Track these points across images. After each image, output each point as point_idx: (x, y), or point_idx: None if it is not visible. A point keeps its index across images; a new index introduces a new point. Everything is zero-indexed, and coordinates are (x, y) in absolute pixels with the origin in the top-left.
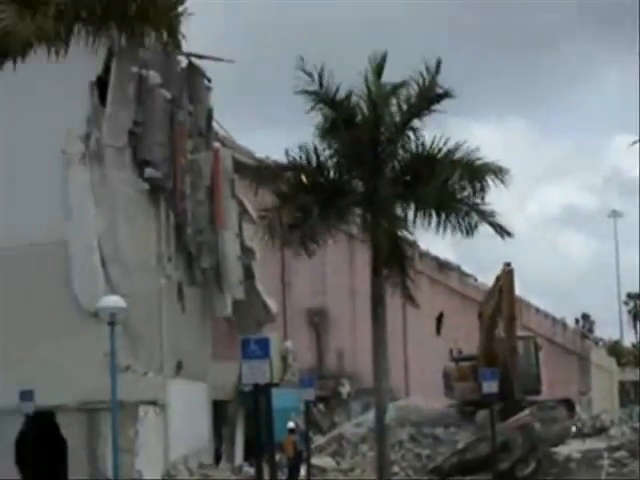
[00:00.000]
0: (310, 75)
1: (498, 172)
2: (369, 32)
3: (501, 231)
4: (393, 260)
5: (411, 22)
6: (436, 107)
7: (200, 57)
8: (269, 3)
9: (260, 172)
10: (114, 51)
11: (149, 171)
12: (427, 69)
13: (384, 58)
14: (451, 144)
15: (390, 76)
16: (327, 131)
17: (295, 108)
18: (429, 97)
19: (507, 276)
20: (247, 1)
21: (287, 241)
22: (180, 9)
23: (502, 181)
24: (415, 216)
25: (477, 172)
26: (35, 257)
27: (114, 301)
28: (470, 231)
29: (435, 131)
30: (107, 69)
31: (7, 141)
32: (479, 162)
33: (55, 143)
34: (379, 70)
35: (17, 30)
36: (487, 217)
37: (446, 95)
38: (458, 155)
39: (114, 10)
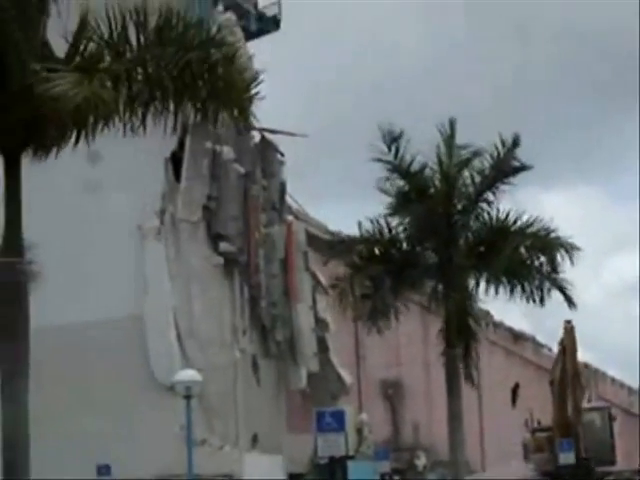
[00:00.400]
0: (389, 147)
1: (569, 249)
2: (434, 96)
3: (571, 301)
4: (463, 332)
5: (477, 86)
6: (510, 179)
7: (273, 132)
8: (341, 78)
9: (333, 245)
10: (188, 128)
11: (223, 245)
12: (502, 142)
13: (453, 127)
14: (522, 214)
15: (461, 140)
16: (400, 203)
17: (367, 182)
18: (504, 170)
19: (568, 334)
20: (320, 78)
21: (358, 310)
22: (253, 91)
23: (572, 260)
24: (487, 286)
25: (549, 246)
26: (112, 331)
27: (190, 375)
28: (542, 300)
29: (506, 201)
30: (181, 145)
31: (84, 216)
32: (551, 236)
33: (131, 218)
34: (450, 141)
35: (70, 95)
36: (559, 285)
37: (522, 169)
38: (531, 228)
39: (187, 91)
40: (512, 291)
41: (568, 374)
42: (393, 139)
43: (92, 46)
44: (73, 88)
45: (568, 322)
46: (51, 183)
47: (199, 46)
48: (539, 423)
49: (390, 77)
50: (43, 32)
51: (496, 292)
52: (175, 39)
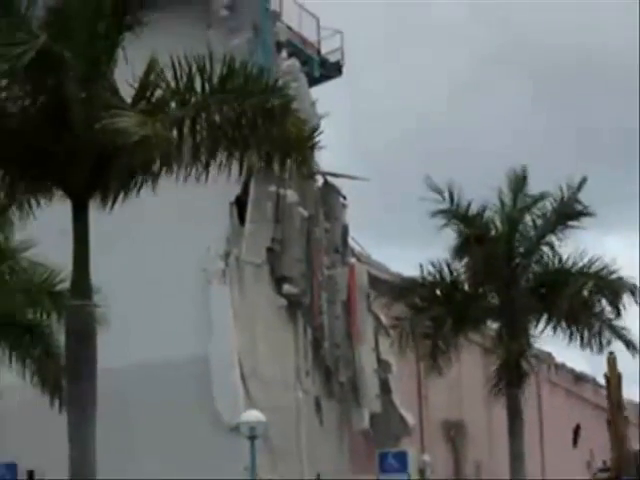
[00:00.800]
0: (440, 193)
1: (633, 289)
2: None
3: (632, 346)
4: (523, 373)
5: (539, 129)
6: (573, 223)
7: (335, 175)
8: (401, 123)
9: (395, 287)
10: (252, 172)
11: (287, 287)
12: (568, 185)
13: (525, 172)
14: (583, 256)
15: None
16: (460, 246)
17: (429, 223)
18: (567, 213)
19: (611, 365)
20: (381, 122)
21: (420, 351)
22: (315, 139)
23: (636, 300)
24: (549, 327)
25: (611, 287)
26: (176, 373)
27: (254, 415)
28: (600, 348)
29: (568, 242)
30: (246, 189)
31: (149, 258)
32: (613, 277)
33: (196, 261)
34: (519, 185)
35: (133, 130)
36: (619, 333)
37: (585, 214)
38: (593, 269)
39: (250, 138)
40: (571, 337)
41: (610, 403)
42: (450, 185)
43: (158, 93)
44: (136, 125)
45: (611, 354)
46: (117, 226)
47: (261, 94)
48: (604, 463)
49: (448, 123)
50: (110, 78)
51: (554, 332)
52: (238, 87)
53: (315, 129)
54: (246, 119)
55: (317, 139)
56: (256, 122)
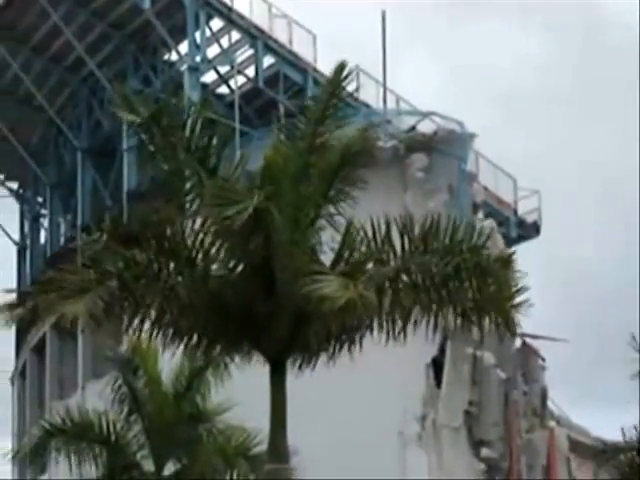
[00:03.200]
0: None
1: None
2: None
3: None
4: None
5: None
6: None
7: (534, 337)
8: (601, 281)
9: (597, 452)
10: (449, 333)
11: (485, 451)
12: None
13: None
14: None
15: None
16: None
17: (627, 387)
18: None
19: None
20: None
21: None
22: (519, 299)
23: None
24: None
25: None
26: None
27: None
28: None
29: None
30: (442, 350)
31: (345, 421)
32: None
33: (392, 424)
34: None
35: (337, 296)
36: None
37: None
38: None
39: (451, 297)
40: None
41: None
42: None
43: (357, 254)
44: (339, 290)
45: None
46: (314, 387)
47: (469, 253)
48: None
49: None
50: (312, 240)
51: None
52: (441, 247)
53: (520, 286)
54: (448, 279)
55: (521, 299)
56: (457, 282)
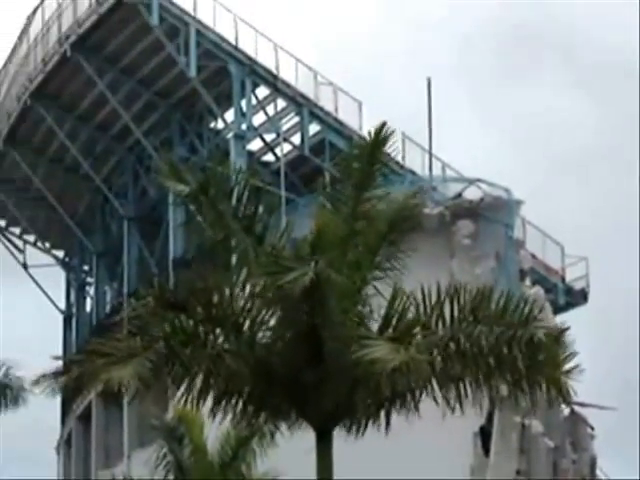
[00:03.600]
0: None
1: None
2: None
3: None
4: None
5: None
6: None
7: (582, 405)
8: None
9: None
10: (497, 402)
11: None
12: None
13: None
14: None
15: None
16: None
17: None
18: None
19: None
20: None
21: None
22: (569, 365)
23: None
24: None
25: None
26: None
27: None
28: None
29: None
30: (490, 418)
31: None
32: None
33: None
34: None
35: (388, 358)
36: None
37: None
38: None
39: (501, 366)
40: None
41: None
42: None
43: (405, 321)
44: (391, 353)
45: None
46: (363, 449)
47: (520, 326)
48: None
49: None
50: (361, 306)
51: None
52: (491, 316)
53: (571, 354)
54: (498, 349)
55: (571, 365)
56: (514, 352)
